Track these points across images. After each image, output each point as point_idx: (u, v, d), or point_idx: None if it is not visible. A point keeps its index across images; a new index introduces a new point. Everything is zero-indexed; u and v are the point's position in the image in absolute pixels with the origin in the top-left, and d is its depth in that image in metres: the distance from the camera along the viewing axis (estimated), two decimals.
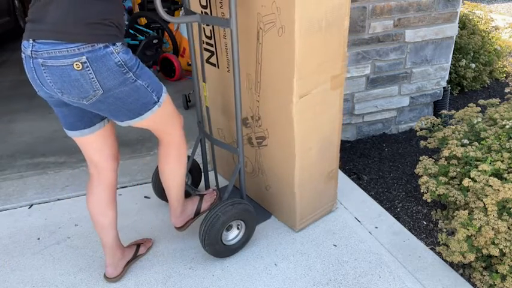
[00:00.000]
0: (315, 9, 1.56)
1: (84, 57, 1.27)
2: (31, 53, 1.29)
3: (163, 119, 1.58)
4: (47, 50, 1.26)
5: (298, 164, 1.85)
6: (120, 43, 1.34)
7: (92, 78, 1.30)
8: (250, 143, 2.05)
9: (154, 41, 4.18)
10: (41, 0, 1.29)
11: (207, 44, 2.00)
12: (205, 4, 1.87)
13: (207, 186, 2.24)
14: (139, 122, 1.50)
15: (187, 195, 2.08)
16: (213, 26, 1.89)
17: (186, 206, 1.91)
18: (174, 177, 1.76)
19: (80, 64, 1.27)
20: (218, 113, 2.20)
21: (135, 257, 1.88)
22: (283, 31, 1.58)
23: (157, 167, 2.14)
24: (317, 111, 1.81)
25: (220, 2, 1.79)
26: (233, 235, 1.89)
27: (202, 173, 2.24)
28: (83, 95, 1.33)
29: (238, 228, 1.89)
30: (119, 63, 1.33)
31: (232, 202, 1.80)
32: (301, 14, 1.52)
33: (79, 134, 1.54)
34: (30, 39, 1.29)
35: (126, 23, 4.49)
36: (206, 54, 2.06)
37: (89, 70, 1.28)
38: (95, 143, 1.58)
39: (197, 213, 1.95)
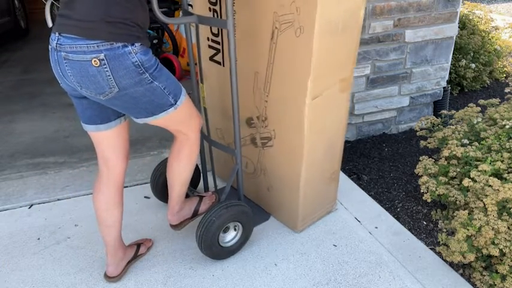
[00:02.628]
0: (334, 10, 1.57)
1: (102, 54, 1.30)
2: (56, 46, 1.34)
3: (179, 119, 1.61)
4: (70, 44, 1.31)
5: (305, 164, 1.85)
6: (140, 44, 1.36)
7: (109, 75, 1.33)
8: (253, 143, 2.04)
9: (154, 41, 4.18)
10: None
11: (213, 41, 2.00)
12: (214, 1, 1.87)
13: (206, 188, 2.24)
14: (152, 121, 1.54)
15: (186, 196, 2.08)
16: None
17: (184, 206, 1.92)
18: (181, 174, 1.78)
19: (97, 61, 1.30)
20: (219, 112, 2.20)
21: (136, 256, 1.88)
22: (301, 31, 1.58)
23: (156, 167, 2.14)
24: (326, 113, 1.81)
25: None
26: (230, 237, 1.89)
27: (201, 174, 2.24)
28: (99, 90, 1.37)
29: (235, 230, 1.89)
30: (136, 63, 1.35)
31: (226, 205, 1.79)
32: (321, 15, 1.53)
33: (95, 128, 1.57)
34: (57, 33, 1.34)
35: None
36: (211, 52, 2.05)
37: (105, 67, 1.32)
38: (108, 140, 1.60)
39: (195, 214, 1.95)
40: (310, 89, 1.67)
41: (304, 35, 1.58)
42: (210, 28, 1.98)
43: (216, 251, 1.82)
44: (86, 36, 1.29)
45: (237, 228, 1.89)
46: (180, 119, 1.61)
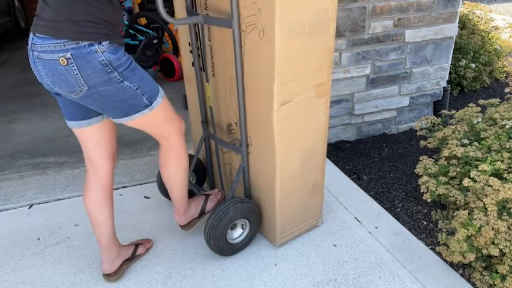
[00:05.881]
0: (298, 12, 1.51)
1: (68, 53, 1.31)
2: (31, 46, 1.37)
3: (157, 122, 1.58)
4: (40, 44, 1.33)
5: (279, 175, 1.77)
6: (108, 42, 1.35)
7: (76, 74, 1.34)
8: (235, 150, 1.98)
9: (154, 41, 4.18)
10: None
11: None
12: (190, 5, 1.82)
13: (212, 185, 2.24)
14: (129, 122, 1.52)
15: (192, 194, 2.08)
16: (199, 28, 1.84)
17: (190, 206, 1.92)
18: (175, 179, 1.78)
19: (65, 60, 1.32)
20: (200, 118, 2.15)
21: (134, 257, 1.88)
22: (264, 33, 1.52)
23: (159, 170, 2.14)
24: (300, 120, 1.74)
25: (204, 3, 1.74)
26: (237, 234, 1.90)
27: (207, 172, 2.24)
28: (70, 89, 1.38)
29: (242, 228, 1.90)
30: (103, 62, 1.35)
31: (241, 200, 1.81)
32: (282, 16, 1.47)
33: (77, 125, 1.58)
34: (32, 33, 1.37)
35: (126, 23, 4.49)
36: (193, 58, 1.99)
37: (73, 66, 1.33)
38: (91, 137, 1.60)
39: (202, 212, 1.96)
40: (277, 94, 1.59)
41: (267, 37, 1.52)
42: (190, 33, 1.90)
43: (222, 246, 1.82)
44: (53, 36, 1.31)
45: (244, 226, 1.89)
46: (158, 122, 1.58)
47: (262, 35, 1.54)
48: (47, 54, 1.33)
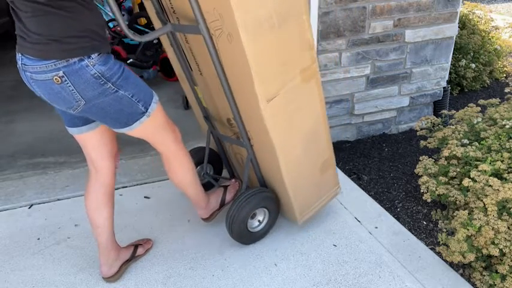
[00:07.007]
0: (260, 7, 1.43)
1: (61, 72, 1.32)
2: (21, 66, 1.37)
3: (155, 128, 1.60)
4: (31, 65, 1.34)
5: (283, 164, 1.78)
6: (97, 54, 1.34)
7: (72, 90, 1.35)
8: (239, 142, 2.00)
9: (155, 41, 4.18)
10: (19, 20, 1.34)
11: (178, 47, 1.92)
12: (160, 11, 1.78)
13: (230, 173, 2.28)
14: (130, 132, 1.53)
15: (211, 186, 2.14)
16: (173, 32, 1.80)
17: (210, 199, 1.98)
18: (185, 182, 1.82)
19: (58, 78, 1.33)
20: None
21: (133, 257, 1.88)
22: (231, 37, 1.46)
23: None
24: (293, 109, 1.70)
25: (172, 8, 1.68)
26: (257, 222, 1.96)
27: (223, 161, 2.28)
28: (68, 105, 1.39)
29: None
30: (96, 75, 1.35)
31: (253, 192, 1.87)
32: (243, 17, 1.39)
33: (77, 131, 1.60)
34: (19, 53, 1.37)
35: (126, 23, 4.50)
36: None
37: (67, 83, 1.33)
38: (92, 141, 1.62)
39: (222, 204, 2.03)
40: (260, 93, 1.56)
41: (235, 42, 1.45)
42: (168, 36, 1.87)
43: (242, 231, 1.87)
44: (41, 57, 1.31)
45: (263, 214, 1.95)
46: (156, 127, 1.60)
47: (231, 39, 1.48)
48: (40, 74, 1.33)
